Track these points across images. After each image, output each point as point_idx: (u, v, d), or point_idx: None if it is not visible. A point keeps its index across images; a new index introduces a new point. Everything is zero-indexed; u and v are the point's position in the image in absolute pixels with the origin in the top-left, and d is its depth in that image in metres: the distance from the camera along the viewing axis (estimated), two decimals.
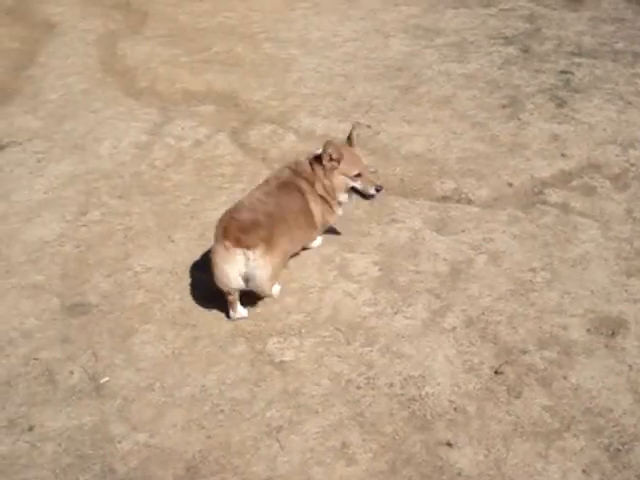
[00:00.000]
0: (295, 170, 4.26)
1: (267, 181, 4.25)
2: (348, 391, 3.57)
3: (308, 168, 4.26)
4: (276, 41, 7.62)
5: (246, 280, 3.83)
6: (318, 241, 4.55)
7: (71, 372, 3.78)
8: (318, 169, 4.23)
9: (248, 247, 3.74)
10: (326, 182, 4.23)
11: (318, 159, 4.23)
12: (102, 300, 4.25)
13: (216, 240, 3.87)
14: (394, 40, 7.46)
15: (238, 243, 3.74)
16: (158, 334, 3.99)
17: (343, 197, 4.32)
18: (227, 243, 3.75)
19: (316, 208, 4.26)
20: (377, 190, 4.23)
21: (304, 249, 4.47)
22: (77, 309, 4.19)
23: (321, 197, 4.27)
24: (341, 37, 7.62)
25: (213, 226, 4.53)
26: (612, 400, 3.46)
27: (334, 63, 7.02)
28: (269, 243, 3.79)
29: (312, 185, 4.24)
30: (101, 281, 4.39)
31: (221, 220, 3.93)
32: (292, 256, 4.34)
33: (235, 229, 3.78)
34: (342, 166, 4.19)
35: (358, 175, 4.21)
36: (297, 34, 7.78)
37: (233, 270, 3.79)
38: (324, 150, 4.15)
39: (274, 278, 3.96)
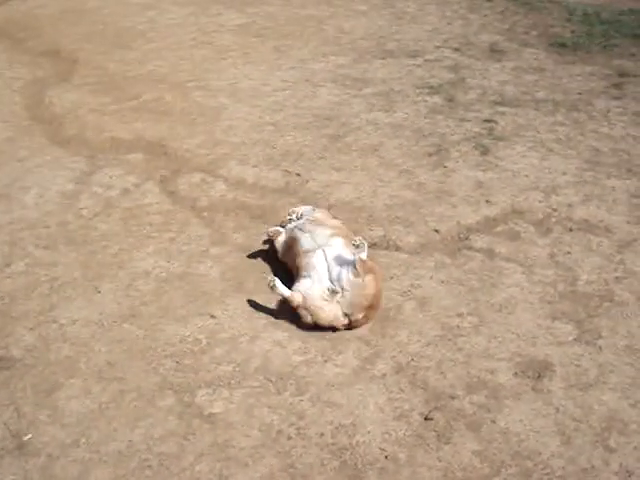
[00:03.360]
0: None
1: None
2: (279, 442, 3.53)
3: None
4: (206, 90, 7.65)
5: None
6: None
7: None
8: None
9: None
10: None
11: None
12: (26, 354, 4.13)
13: None
14: (323, 89, 7.56)
15: None
16: (84, 388, 3.88)
17: None
18: None
19: None
20: None
21: None
22: None
23: None
24: (271, 86, 7.68)
25: (141, 276, 4.45)
26: (540, 443, 3.50)
27: (264, 112, 7.07)
28: None
29: None
30: (25, 334, 4.27)
31: None
32: None
33: None
34: None
35: None
36: (227, 83, 7.82)
37: None
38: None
39: None
